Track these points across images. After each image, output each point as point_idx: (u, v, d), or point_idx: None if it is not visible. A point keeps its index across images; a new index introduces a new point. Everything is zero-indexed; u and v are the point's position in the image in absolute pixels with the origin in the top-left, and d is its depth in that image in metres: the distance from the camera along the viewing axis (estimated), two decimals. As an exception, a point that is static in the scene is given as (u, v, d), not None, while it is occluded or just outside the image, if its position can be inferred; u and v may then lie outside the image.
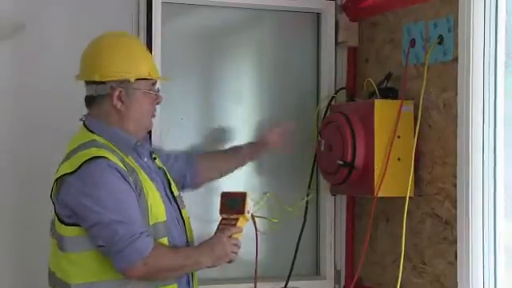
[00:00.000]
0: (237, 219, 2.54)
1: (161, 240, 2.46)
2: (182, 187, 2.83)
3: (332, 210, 3.54)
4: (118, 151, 2.46)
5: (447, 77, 2.91)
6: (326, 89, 3.54)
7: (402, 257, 2.94)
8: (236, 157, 3.07)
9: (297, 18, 3.59)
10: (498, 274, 2.76)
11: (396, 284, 2.95)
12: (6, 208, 3.13)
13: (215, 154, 3.12)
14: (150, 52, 3.17)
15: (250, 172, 3.51)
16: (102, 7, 3.23)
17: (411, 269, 3.08)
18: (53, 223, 2.50)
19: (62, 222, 2.42)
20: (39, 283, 3.10)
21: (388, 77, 3.20)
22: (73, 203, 2.38)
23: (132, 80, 2.47)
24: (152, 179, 2.52)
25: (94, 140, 2.45)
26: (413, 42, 3.09)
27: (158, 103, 2.59)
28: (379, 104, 3.05)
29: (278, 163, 3.56)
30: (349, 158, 3.09)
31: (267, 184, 3.54)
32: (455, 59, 2.85)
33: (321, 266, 3.59)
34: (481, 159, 2.77)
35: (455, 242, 2.84)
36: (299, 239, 3.43)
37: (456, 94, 2.84)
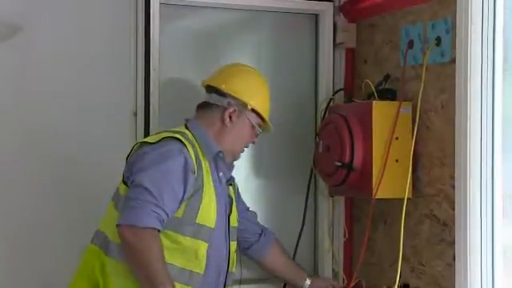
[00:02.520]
0: None
1: (200, 243, 2.58)
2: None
3: (330, 211, 3.54)
4: (199, 150, 2.63)
5: (445, 78, 2.91)
6: (324, 90, 3.54)
7: (400, 258, 2.94)
8: (295, 276, 3.17)
9: (295, 20, 3.59)
10: (495, 275, 2.76)
11: (394, 285, 2.96)
12: (5, 208, 3.13)
13: (287, 257, 3.21)
14: (148, 53, 3.20)
15: (248, 173, 3.51)
16: (100, 8, 3.23)
17: (409, 270, 3.08)
18: (118, 186, 2.66)
19: (124, 182, 2.60)
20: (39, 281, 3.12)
21: (386, 78, 3.20)
22: (134, 160, 2.57)
23: (249, 107, 2.69)
24: (216, 192, 2.66)
25: (183, 132, 2.64)
26: (411, 44, 3.09)
27: (252, 142, 2.81)
28: (377, 105, 3.05)
29: (276, 165, 3.56)
30: (347, 159, 3.09)
31: (265, 186, 3.54)
32: (453, 60, 2.85)
33: (319, 267, 3.59)
34: (479, 160, 2.77)
35: (453, 244, 2.84)
36: (298, 241, 3.43)
37: (454, 95, 2.84)
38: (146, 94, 3.21)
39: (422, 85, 2.97)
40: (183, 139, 2.59)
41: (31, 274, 3.12)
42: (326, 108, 3.45)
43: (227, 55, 3.49)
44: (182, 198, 2.54)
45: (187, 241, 2.57)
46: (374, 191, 3.01)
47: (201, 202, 2.58)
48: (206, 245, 2.61)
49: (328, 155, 3.21)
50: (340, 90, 3.50)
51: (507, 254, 2.76)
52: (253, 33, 3.57)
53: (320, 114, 3.49)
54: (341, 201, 3.55)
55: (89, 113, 3.19)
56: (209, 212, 2.59)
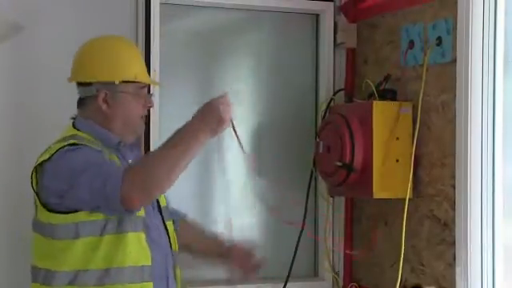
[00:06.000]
0: None
1: (140, 234, 2.41)
2: None
3: (330, 211, 3.54)
4: (101, 145, 2.47)
5: (446, 78, 2.91)
6: (325, 90, 3.54)
7: (401, 258, 2.94)
8: (209, 249, 2.77)
9: (295, 19, 3.59)
10: (496, 275, 2.76)
11: (395, 286, 2.96)
12: (3, 209, 3.13)
13: (198, 232, 2.83)
14: (149, 54, 3.20)
15: (249, 173, 3.50)
16: (101, 8, 3.23)
17: (410, 270, 3.08)
18: (34, 217, 2.48)
19: (50, 210, 2.41)
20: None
21: (387, 78, 3.19)
22: (54, 186, 2.37)
23: (117, 82, 2.47)
24: None
25: (74, 135, 2.48)
26: (411, 44, 3.09)
27: (149, 107, 2.57)
28: (377, 105, 3.05)
29: (276, 165, 3.56)
30: (347, 159, 3.08)
31: (266, 185, 3.54)
32: (454, 61, 2.85)
33: (319, 267, 3.59)
34: (479, 161, 2.77)
35: (454, 244, 2.84)
36: (298, 241, 3.42)
37: (455, 95, 2.84)
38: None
39: (423, 85, 2.97)
40: (78, 141, 2.41)
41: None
42: (327, 108, 3.45)
43: (227, 55, 3.50)
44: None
45: (129, 237, 2.37)
46: (374, 191, 3.01)
47: None
48: (144, 235, 2.42)
49: (328, 155, 3.21)
50: (340, 90, 3.50)
51: (508, 254, 2.75)
52: (253, 33, 3.57)
53: (320, 114, 3.49)
54: (341, 201, 3.54)
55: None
56: None
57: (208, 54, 3.46)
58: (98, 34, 3.17)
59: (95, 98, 2.48)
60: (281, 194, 3.54)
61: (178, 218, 2.77)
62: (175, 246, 2.61)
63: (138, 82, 2.51)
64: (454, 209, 2.84)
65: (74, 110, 3.15)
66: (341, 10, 3.54)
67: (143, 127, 2.59)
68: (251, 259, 2.70)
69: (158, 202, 2.57)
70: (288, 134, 3.56)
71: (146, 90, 2.57)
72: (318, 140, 3.32)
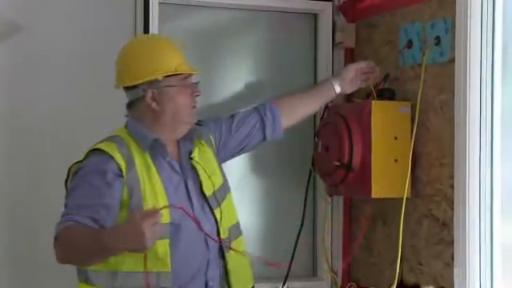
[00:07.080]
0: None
1: (161, 242, 2.41)
2: (255, 144, 2.94)
3: (329, 211, 3.54)
4: (135, 146, 2.52)
5: (444, 78, 2.91)
6: (323, 90, 3.54)
7: (399, 258, 2.94)
8: (321, 99, 3.09)
9: (294, 19, 3.60)
10: (494, 274, 2.76)
11: (393, 285, 2.96)
12: (2, 213, 3.13)
13: (295, 97, 3.07)
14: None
15: (247, 173, 3.51)
16: (100, 8, 3.23)
17: (408, 270, 3.08)
18: None
19: None
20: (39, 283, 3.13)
21: (385, 78, 3.20)
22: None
23: (160, 78, 2.52)
24: (167, 184, 2.51)
25: (114, 136, 2.55)
26: (410, 43, 3.09)
27: (196, 96, 2.62)
28: (376, 105, 3.05)
29: (275, 164, 3.56)
30: (346, 159, 3.09)
31: (264, 185, 3.54)
32: (452, 60, 2.85)
33: (318, 267, 3.59)
34: (478, 160, 2.77)
35: (452, 243, 2.84)
36: (297, 241, 3.42)
37: (453, 95, 2.84)
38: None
39: (421, 85, 2.97)
40: (107, 146, 2.47)
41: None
42: (325, 108, 3.45)
43: (226, 55, 3.50)
44: (112, 203, 2.41)
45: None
46: (372, 191, 3.01)
47: (142, 200, 2.43)
48: (167, 241, 2.44)
49: (327, 155, 3.21)
50: (339, 89, 3.50)
51: (506, 254, 2.76)
52: (252, 32, 3.57)
53: (319, 113, 3.49)
54: (340, 201, 3.55)
55: (89, 115, 3.18)
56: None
57: (206, 53, 3.46)
58: (97, 34, 3.22)
59: (143, 98, 2.54)
60: (279, 193, 3.54)
61: (273, 110, 2.91)
62: (224, 233, 2.59)
63: (180, 74, 2.56)
64: (452, 208, 2.84)
65: (73, 110, 3.18)
66: (339, 9, 3.54)
67: (195, 117, 2.63)
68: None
69: (203, 195, 2.58)
70: (286, 133, 3.53)
71: (190, 79, 2.61)
72: (316, 140, 3.32)
